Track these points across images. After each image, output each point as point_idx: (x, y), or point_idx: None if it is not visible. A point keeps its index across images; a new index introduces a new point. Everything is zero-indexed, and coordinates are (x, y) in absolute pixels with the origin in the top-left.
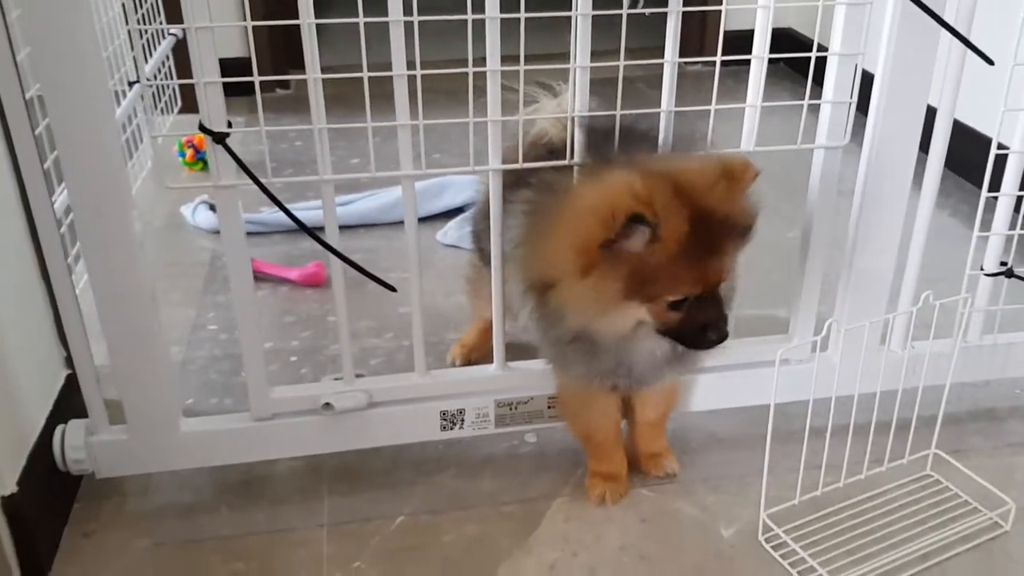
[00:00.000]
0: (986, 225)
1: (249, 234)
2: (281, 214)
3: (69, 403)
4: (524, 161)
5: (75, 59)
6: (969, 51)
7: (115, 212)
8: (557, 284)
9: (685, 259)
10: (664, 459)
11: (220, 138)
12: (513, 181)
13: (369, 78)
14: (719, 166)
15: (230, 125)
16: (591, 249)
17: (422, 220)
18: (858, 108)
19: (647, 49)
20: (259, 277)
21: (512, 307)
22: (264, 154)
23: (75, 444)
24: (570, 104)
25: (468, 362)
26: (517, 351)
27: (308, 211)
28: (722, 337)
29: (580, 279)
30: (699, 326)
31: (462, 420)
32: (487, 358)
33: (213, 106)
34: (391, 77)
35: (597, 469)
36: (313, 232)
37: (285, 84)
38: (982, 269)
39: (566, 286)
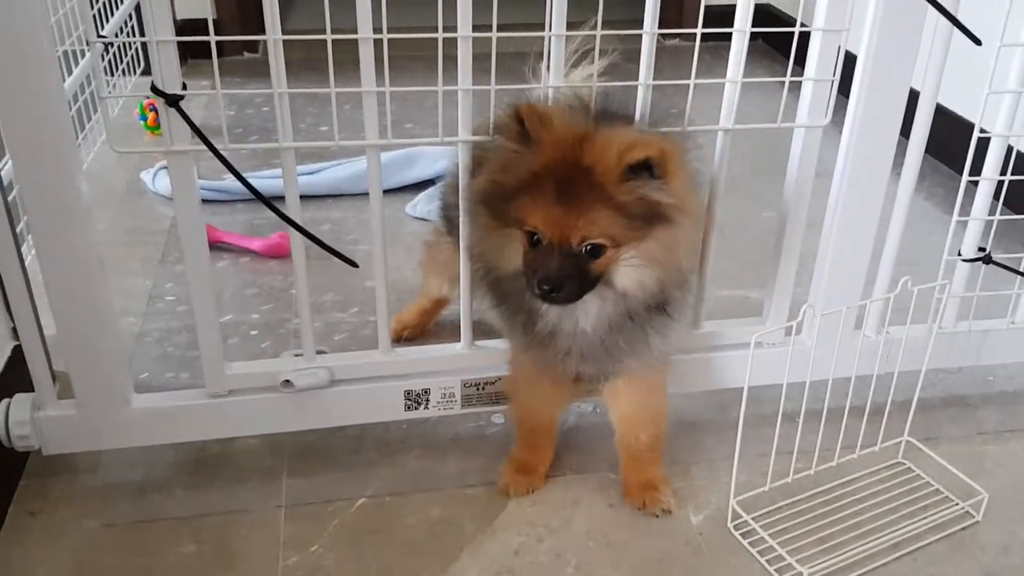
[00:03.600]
0: (963, 210)
1: (211, 202)
2: None
3: (16, 376)
4: None
5: (19, 22)
6: (954, 33)
7: (62, 182)
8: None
9: (539, 187)
10: (660, 493)
11: (173, 100)
12: None
13: (344, 45)
14: (627, 135)
15: (185, 87)
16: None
17: (392, 192)
18: (838, 90)
19: (625, 22)
20: (221, 247)
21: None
22: (222, 119)
23: (20, 419)
24: (543, 76)
25: (399, 339)
26: (485, 330)
27: (273, 180)
28: (543, 290)
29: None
30: (532, 269)
31: (427, 400)
32: (422, 340)
33: (166, 66)
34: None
35: (516, 456)
36: (269, 202)
37: (254, 48)
38: (960, 254)
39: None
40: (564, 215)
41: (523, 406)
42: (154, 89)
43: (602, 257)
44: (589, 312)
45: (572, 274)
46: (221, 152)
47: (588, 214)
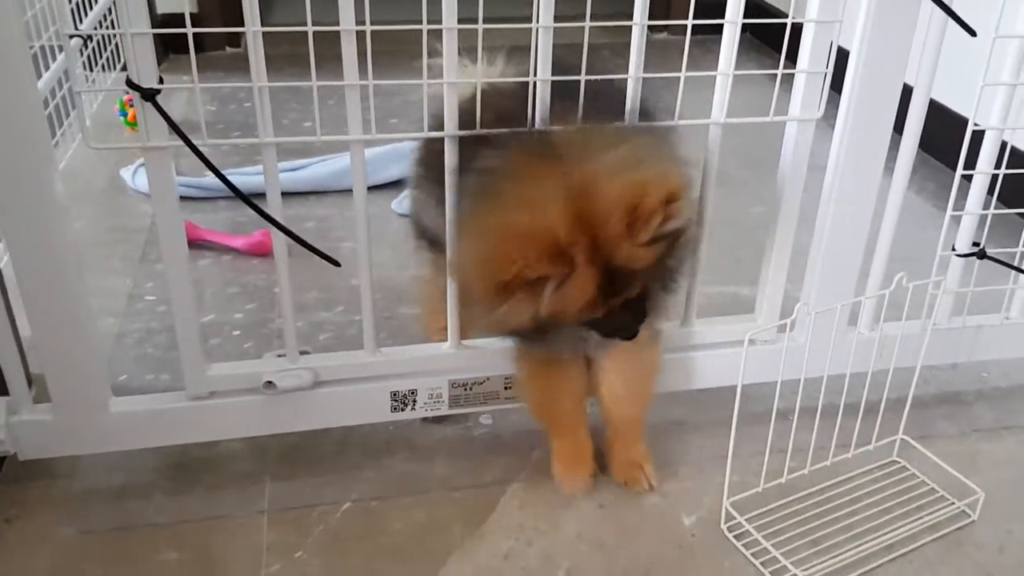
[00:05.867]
0: (957, 204)
1: (192, 199)
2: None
3: None
4: None
5: None
6: (947, 26)
7: (36, 181)
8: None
9: (590, 298)
10: (642, 472)
11: (149, 95)
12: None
13: (329, 40)
14: (635, 200)
15: (161, 81)
16: (498, 285)
17: (377, 188)
18: (831, 86)
19: (612, 15)
20: (202, 245)
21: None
22: (201, 114)
23: None
24: (531, 69)
25: None
26: None
27: (256, 176)
28: (630, 336)
29: (493, 303)
30: (608, 330)
31: (414, 401)
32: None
33: (142, 60)
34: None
35: (561, 448)
36: (249, 200)
37: (237, 42)
38: (954, 249)
39: (482, 303)
40: (619, 299)
41: (547, 402)
42: (129, 83)
43: None
44: None
45: (644, 310)
46: (199, 148)
47: (638, 279)
